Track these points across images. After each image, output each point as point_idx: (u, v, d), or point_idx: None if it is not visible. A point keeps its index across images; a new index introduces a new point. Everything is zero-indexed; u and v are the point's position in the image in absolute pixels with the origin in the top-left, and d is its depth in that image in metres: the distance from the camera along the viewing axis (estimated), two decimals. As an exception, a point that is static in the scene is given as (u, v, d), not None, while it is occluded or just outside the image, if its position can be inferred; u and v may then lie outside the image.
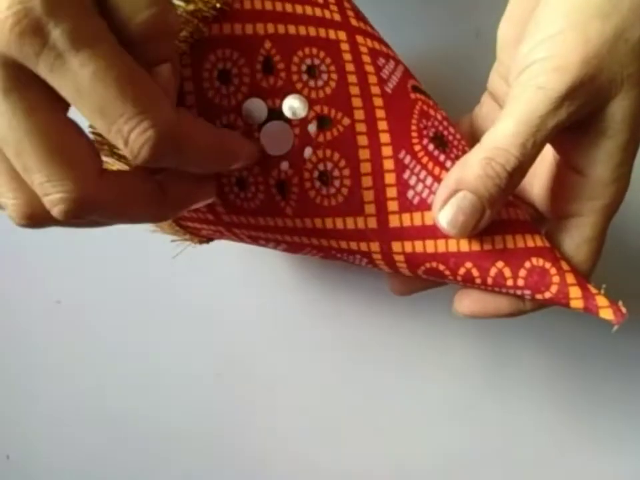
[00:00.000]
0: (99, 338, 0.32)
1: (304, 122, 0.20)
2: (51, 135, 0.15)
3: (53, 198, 0.15)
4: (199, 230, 0.24)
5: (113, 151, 0.20)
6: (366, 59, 0.21)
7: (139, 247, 0.32)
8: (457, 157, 0.20)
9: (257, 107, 0.19)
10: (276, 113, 0.19)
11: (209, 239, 0.26)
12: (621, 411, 0.32)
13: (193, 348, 0.32)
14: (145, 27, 0.15)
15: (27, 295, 0.32)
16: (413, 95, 0.21)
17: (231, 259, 0.32)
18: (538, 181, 0.22)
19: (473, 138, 0.25)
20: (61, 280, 0.32)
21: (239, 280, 0.32)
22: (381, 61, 0.21)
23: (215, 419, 0.32)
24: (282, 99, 0.19)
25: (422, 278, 0.21)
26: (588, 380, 0.32)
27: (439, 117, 0.21)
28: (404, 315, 0.32)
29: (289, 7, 0.20)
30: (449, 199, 0.18)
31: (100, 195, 0.16)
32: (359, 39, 0.21)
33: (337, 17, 0.21)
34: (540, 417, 0.32)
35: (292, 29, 0.20)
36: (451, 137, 0.21)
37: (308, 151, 0.20)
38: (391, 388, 0.32)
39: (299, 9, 0.20)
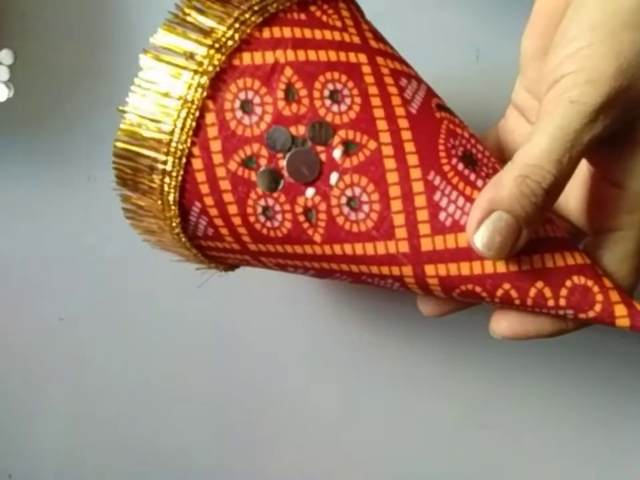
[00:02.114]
0: (101, 355, 0.32)
1: (329, 148, 0.19)
2: None
3: None
4: (224, 259, 0.23)
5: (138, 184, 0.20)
6: (388, 80, 0.20)
7: (143, 266, 0.32)
8: (488, 175, 0.20)
9: (280, 135, 0.19)
10: (300, 141, 0.19)
11: (233, 267, 0.26)
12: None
13: (196, 366, 0.32)
14: None
15: (29, 312, 0.32)
16: (438, 114, 0.20)
17: (234, 279, 0.31)
18: (573, 195, 0.21)
19: (499, 153, 0.24)
20: (64, 297, 0.32)
21: (243, 298, 0.32)
22: (403, 81, 0.21)
23: (220, 437, 0.31)
24: (306, 125, 0.19)
25: (457, 300, 0.21)
26: (606, 398, 0.31)
27: (466, 134, 0.21)
28: (422, 336, 0.31)
29: (307, 33, 0.20)
30: (484, 220, 0.18)
31: None
32: (380, 60, 0.21)
33: (357, 40, 0.21)
34: (552, 434, 0.31)
35: (312, 55, 0.20)
36: (480, 155, 0.20)
37: (334, 177, 0.19)
38: (401, 406, 0.31)
39: (317, 34, 0.20)
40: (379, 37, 0.22)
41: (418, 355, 0.31)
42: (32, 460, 0.32)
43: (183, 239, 0.22)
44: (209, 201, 0.20)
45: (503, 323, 0.20)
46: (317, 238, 0.20)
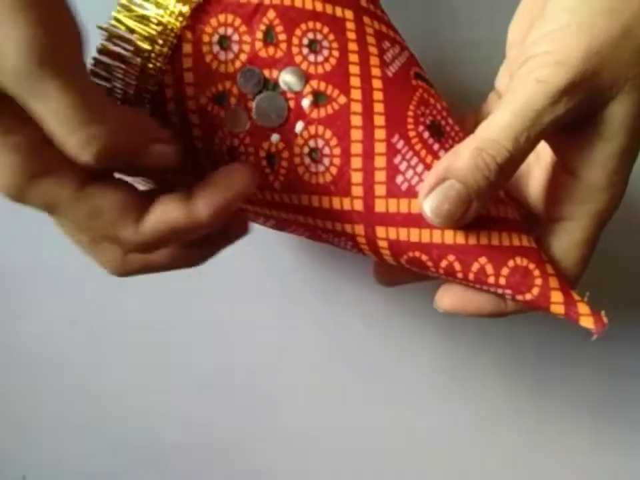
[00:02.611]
0: (114, 359, 0.32)
1: (299, 96, 0.19)
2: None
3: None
4: None
5: None
6: (370, 40, 0.20)
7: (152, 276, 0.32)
8: (452, 147, 0.20)
9: (253, 76, 0.19)
10: (271, 84, 0.19)
11: None
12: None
13: (210, 365, 0.32)
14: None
15: (42, 315, 0.32)
16: (414, 82, 0.20)
17: (242, 282, 0.32)
18: (533, 180, 0.21)
19: None
20: (77, 301, 0.32)
21: (249, 301, 0.32)
22: (386, 44, 0.21)
23: (234, 437, 0.32)
24: (280, 70, 0.19)
25: (405, 268, 0.21)
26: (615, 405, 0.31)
27: (439, 106, 0.21)
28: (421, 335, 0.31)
29: None
30: (436, 187, 0.18)
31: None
32: (366, 19, 0.21)
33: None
34: (565, 441, 0.31)
35: (298, 2, 0.20)
36: (448, 128, 0.20)
37: (300, 126, 0.19)
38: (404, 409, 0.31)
39: None
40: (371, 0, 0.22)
41: (421, 365, 0.32)
42: (46, 461, 0.32)
43: None
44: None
45: (446, 298, 0.21)
46: (277, 185, 0.20)
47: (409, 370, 0.32)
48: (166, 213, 0.17)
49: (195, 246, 0.19)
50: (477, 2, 0.30)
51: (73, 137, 0.15)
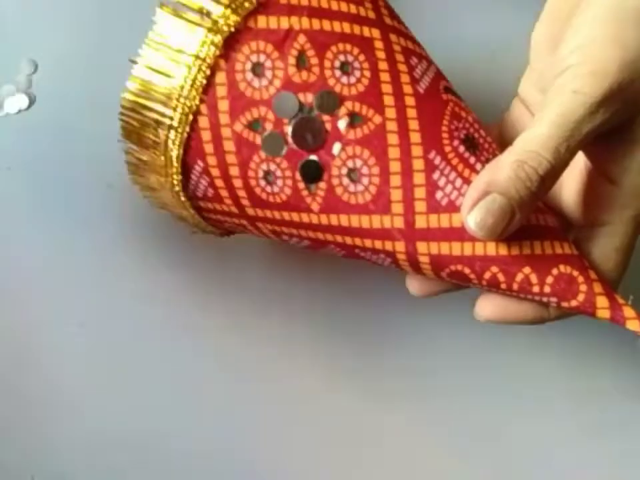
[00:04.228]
0: (122, 361, 0.32)
1: (334, 118, 0.20)
2: None
3: None
4: (221, 222, 0.24)
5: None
6: (399, 57, 0.20)
7: (163, 272, 0.32)
8: (487, 160, 0.20)
9: (288, 101, 0.19)
10: (307, 108, 0.19)
11: (230, 232, 0.26)
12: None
13: (219, 367, 0.32)
14: None
15: (49, 318, 0.32)
16: (444, 96, 0.21)
17: (252, 280, 0.32)
18: (567, 186, 0.21)
19: (502, 144, 0.24)
20: (85, 303, 0.32)
21: (262, 297, 0.32)
22: (414, 60, 0.21)
23: (241, 438, 0.32)
24: (314, 93, 0.19)
25: (445, 280, 0.21)
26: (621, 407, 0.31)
27: (470, 119, 0.21)
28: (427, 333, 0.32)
29: (324, 3, 0.20)
30: (479, 201, 0.18)
31: None
32: (393, 37, 0.21)
33: (372, 15, 0.21)
34: (570, 443, 0.31)
35: (327, 25, 0.20)
36: (481, 140, 0.21)
37: (337, 147, 0.20)
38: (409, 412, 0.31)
39: (334, 5, 0.20)
40: (394, 15, 0.22)
41: (428, 365, 0.31)
42: (54, 463, 0.32)
43: (182, 198, 0.22)
44: (211, 160, 0.20)
45: (488, 307, 0.21)
46: (315, 207, 0.20)
47: (409, 370, 0.32)
48: None
49: None
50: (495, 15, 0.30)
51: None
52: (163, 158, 0.21)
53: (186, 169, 0.21)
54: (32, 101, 0.32)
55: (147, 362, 0.32)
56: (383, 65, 0.20)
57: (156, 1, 0.20)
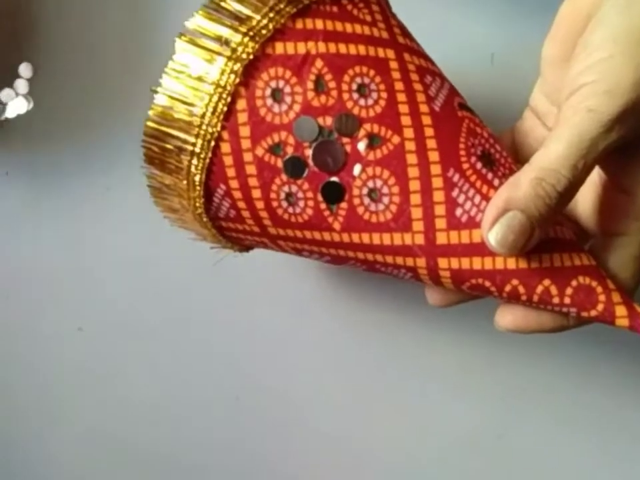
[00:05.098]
0: (120, 365, 0.32)
1: (354, 140, 0.20)
2: None
3: None
4: (242, 240, 0.24)
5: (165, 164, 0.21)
6: (414, 77, 0.21)
7: (161, 276, 0.32)
8: (505, 175, 0.20)
9: (308, 125, 0.20)
10: (327, 131, 0.20)
11: (249, 248, 0.26)
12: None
13: (213, 372, 0.32)
14: None
15: (48, 322, 0.32)
16: (460, 113, 0.21)
17: (249, 281, 0.32)
18: (582, 198, 0.22)
19: (514, 153, 0.25)
20: (83, 307, 0.32)
21: (258, 302, 0.32)
22: (428, 78, 0.21)
23: (235, 443, 0.32)
24: (333, 117, 0.20)
25: (465, 292, 0.22)
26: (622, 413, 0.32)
27: (485, 134, 0.21)
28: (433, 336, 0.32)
29: (339, 26, 0.21)
30: (499, 218, 0.19)
31: None
32: (407, 56, 0.21)
33: (385, 35, 0.21)
34: (569, 445, 0.32)
35: (342, 48, 0.20)
36: (498, 155, 0.21)
37: (358, 168, 0.20)
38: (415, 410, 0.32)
39: (348, 27, 0.21)
40: (406, 33, 0.22)
41: (432, 361, 0.32)
42: (51, 468, 0.32)
43: (205, 219, 0.23)
44: (234, 184, 0.21)
45: (508, 317, 0.21)
46: (337, 226, 0.21)
47: (410, 370, 0.32)
48: None
49: None
50: (495, 20, 0.30)
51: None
52: (185, 182, 0.21)
53: (208, 192, 0.21)
54: (30, 106, 0.32)
55: (146, 365, 0.33)
56: (398, 86, 0.20)
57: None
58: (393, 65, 0.21)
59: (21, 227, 0.33)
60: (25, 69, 0.31)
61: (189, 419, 0.32)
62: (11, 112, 0.31)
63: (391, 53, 0.21)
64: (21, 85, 0.31)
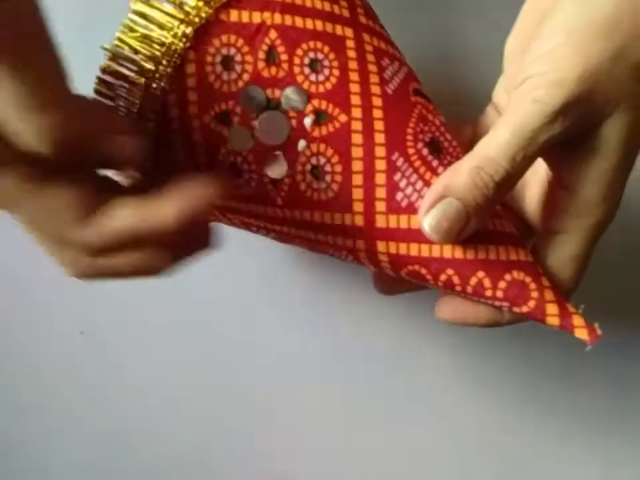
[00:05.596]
0: (122, 368, 0.32)
1: (301, 115, 0.20)
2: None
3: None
4: None
5: None
6: (370, 57, 0.21)
7: (161, 280, 0.32)
8: (450, 164, 0.20)
9: (256, 95, 0.20)
10: (274, 103, 0.20)
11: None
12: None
13: (214, 376, 0.32)
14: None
15: (51, 325, 0.32)
16: (413, 98, 0.21)
17: (247, 285, 0.32)
18: (529, 193, 0.22)
19: (471, 148, 0.25)
20: (85, 311, 0.32)
21: (258, 305, 0.33)
22: (385, 61, 0.21)
23: (237, 450, 0.32)
24: (282, 89, 0.20)
25: (405, 279, 0.21)
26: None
27: (437, 122, 0.21)
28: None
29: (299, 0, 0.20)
30: (435, 204, 0.18)
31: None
32: (366, 37, 0.21)
33: (346, 13, 0.21)
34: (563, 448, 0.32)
35: (299, 22, 0.20)
36: (446, 144, 0.21)
37: (302, 144, 0.20)
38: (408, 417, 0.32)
39: (308, 2, 0.20)
40: (370, 14, 0.22)
41: (429, 364, 0.32)
42: (53, 472, 0.32)
43: None
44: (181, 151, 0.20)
45: (445, 309, 0.21)
46: (279, 201, 0.21)
47: (410, 371, 0.32)
48: (128, 216, 0.16)
49: (162, 250, 0.18)
50: (474, 15, 0.30)
51: (29, 125, 0.14)
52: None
53: None
54: None
55: (148, 368, 0.32)
56: (352, 65, 0.20)
57: None
58: (350, 43, 0.20)
59: (22, 230, 0.33)
60: None
61: (191, 421, 0.32)
62: None
63: (349, 32, 0.21)
64: None
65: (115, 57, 0.20)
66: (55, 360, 0.33)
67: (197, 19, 0.19)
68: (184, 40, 0.19)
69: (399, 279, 0.22)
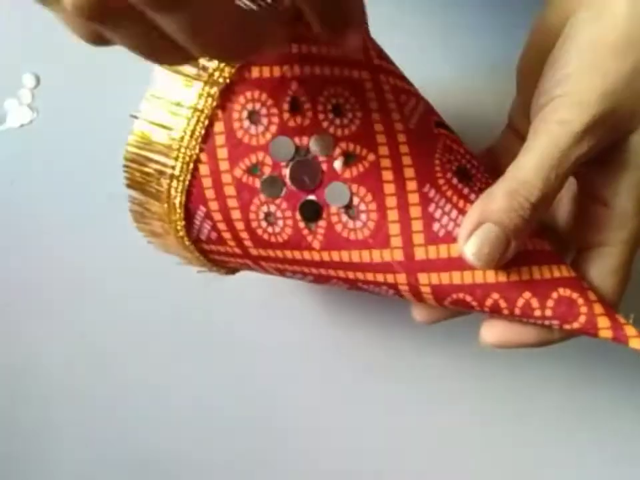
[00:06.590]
0: (123, 372, 0.32)
1: (330, 158, 0.20)
2: None
3: None
4: (226, 262, 0.24)
5: None
6: (389, 96, 0.21)
7: (164, 280, 0.32)
8: (481, 190, 0.21)
9: (284, 145, 0.20)
10: (303, 151, 0.20)
11: (235, 271, 0.26)
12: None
13: (214, 379, 0.32)
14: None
15: (52, 328, 0.33)
16: (435, 130, 0.21)
17: (251, 291, 0.32)
18: (561, 210, 0.22)
19: (492, 171, 0.25)
20: (85, 313, 0.33)
21: (261, 311, 0.33)
22: (403, 98, 0.22)
23: (239, 452, 0.32)
24: (309, 137, 0.20)
25: (448, 308, 0.21)
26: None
27: (462, 150, 0.22)
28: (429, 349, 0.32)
29: (314, 49, 0.21)
30: (474, 231, 0.19)
31: None
32: (382, 77, 0.22)
33: (360, 57, 0.22)
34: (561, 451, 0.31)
35: (317, 70, 0.21)
36: (474, 171, 0.21)
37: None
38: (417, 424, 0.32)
39: (323, 49, 0.21)
40: (382, 55, 0.23)
41: (428, 369, 0.32)
42: (52, 474, 0.32)
43: (187, 242, 0.23)
44: (213, 205, 0.21)
45: (491, 332, 0.21)
46: (316, 244, 0.21)
47: (411, 370, 0.32)
48: None
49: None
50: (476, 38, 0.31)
51: None
52: (166, 205, 0.22)
53: (189, 215, 0.22)
54: (34, 115, 0.32)
55: (149, 370, 0.32)
56: (373, 105, 0.21)
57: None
58: (368, 85, 0.21)
59: (24, 233, 0.33)
60: (28, 79, 0.32)
61: (192, 425, 0.32)
62: (15, 122, 0.31)
63: (365, 74, 0.21)
64: (25, 95, 0.32)
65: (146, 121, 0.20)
66: (55, 361, 0.32)
67: (220, 79, 0.20)
68: (210, 100, 0.20)
69: (440, 308, 0.22)
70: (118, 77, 0.33)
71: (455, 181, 0.20)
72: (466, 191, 0.20)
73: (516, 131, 0.24)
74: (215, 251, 0.23)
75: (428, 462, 0.32)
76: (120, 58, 0.34)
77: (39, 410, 0.33)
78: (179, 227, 0.22)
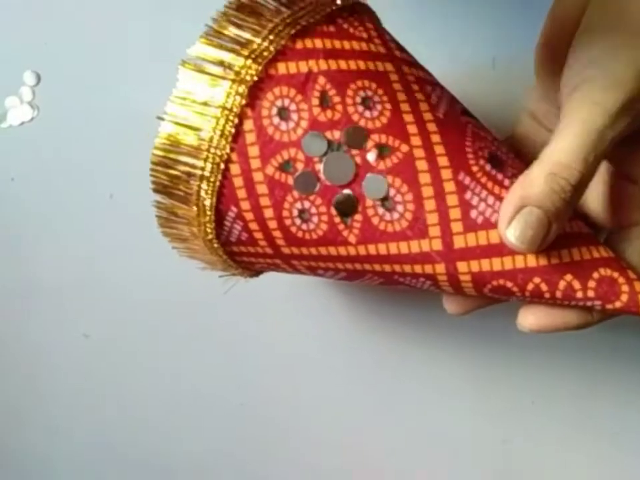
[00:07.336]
0: (127, 371, 0.32)
1: (363, 151, 0.20)
2: None
3: None
4: (253, 264, 0.24)
5: None
6: (415, 87, 0.21)
7: (167, 280, 0.32)
8: (514, 175, 0.21)
9: (316, 140, 0.20)
10: (335, 145, 0.20)
11: (258, 273, 0.26)
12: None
13: (218, 378, 0.32)
14: None
15: (54, 328, 0.32)
16: (463, 119, 0.21)
17: (255, 289, 0.32)
18: (592, 191, 0.22)
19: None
20: (88, 314, 0.32)
21: (264, 309, 0.32)
22: (428, 88, 0.22)
23: (240, 450, 0.32)
24: (340, 130, 0.20)
25: (487, 296, 0.21)
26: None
27: (490, 137, 0.22)
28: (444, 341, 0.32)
29: (337, 44, 0.21)
30: (515, 216, 0.19)
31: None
32: (405, 68, 0.22)
33: (382, 50, 0.22)
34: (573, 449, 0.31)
35: (343, 64, 0.21)
36: (504, 157, 0.21)
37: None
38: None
39: (346, 44, 0.21)
40: (401, 48, 0.23)
41: (438, 367, 0.32)
42: (53, 474, 0.32)
43: (216, 245, 0.22)
44: (245, 205, 0.21)
45: (530, 317, 0.21)
46: (352, 239, 0.21)
47: (410, 371, 0.32)
48: None
49: None
50: (496, 24, 0.31)
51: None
52: (195, 208, 0.21)
53: (219, 217, 0.21)
54: (35, 113, 0.32)
55: (151, 372, 0.32)
56: (401, 96, 0.21)
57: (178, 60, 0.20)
58: (393, 77, 0.21)
59: (26, 232, 0.33)
60: (29, 77, 0.31)
61: (195, 426, 0.32)
62: (16, 119, 0.31)
63: (389, 66, 0.21)
64: (26, 93, 0.31)
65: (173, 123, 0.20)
66: (58, 362, 0.32)
67: (247, 77, 0.20)
68: (238, 98, 0.20)
69: (471, 298, 0.22)
70: (119, 75, 0.33)
71: (488, 167, 0.20)
72: (499, 177, 0.20)
73: (536, 117, 0.24)
74: (244, 253, 0.23)
75: (428, 462, 0.32)
76: (120, 57, 0.34)
77: (41, 409, 0.32)
78: (208, 230, 0.22)
